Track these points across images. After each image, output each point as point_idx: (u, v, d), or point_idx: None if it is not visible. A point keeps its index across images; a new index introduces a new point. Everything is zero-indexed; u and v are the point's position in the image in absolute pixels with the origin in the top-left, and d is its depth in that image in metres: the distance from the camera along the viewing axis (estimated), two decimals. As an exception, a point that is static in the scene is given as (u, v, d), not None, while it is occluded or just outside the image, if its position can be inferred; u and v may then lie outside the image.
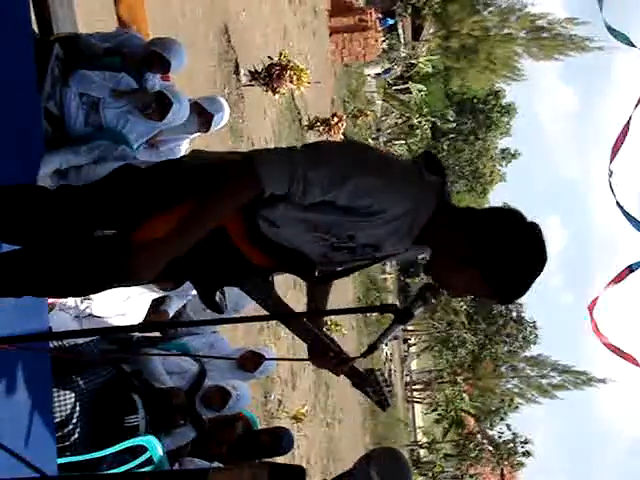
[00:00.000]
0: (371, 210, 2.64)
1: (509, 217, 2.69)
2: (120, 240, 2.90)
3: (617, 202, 4.11)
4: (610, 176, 4.23)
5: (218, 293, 3.06)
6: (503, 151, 59.90)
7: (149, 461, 4.68)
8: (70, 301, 4.91)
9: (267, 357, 6.18)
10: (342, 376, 3.19)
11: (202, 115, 5.94)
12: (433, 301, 2.75)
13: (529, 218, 2.68)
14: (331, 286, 3.31)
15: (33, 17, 5.33)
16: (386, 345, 34.55)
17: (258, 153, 2.70)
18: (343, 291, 23.99)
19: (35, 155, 4.50)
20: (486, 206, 2.96)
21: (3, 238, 3.22)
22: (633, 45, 4.52)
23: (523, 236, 2.63)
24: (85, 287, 3.21)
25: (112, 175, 3.08)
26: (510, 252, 2.60)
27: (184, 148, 6.12)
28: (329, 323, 17.51)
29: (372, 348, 2.96)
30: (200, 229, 2.67)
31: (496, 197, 58.65)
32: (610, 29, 4.51)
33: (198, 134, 6.09)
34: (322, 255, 2.85)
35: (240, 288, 3.01)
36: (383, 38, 36.90)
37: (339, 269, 3.02)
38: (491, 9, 54.53)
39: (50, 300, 4.55)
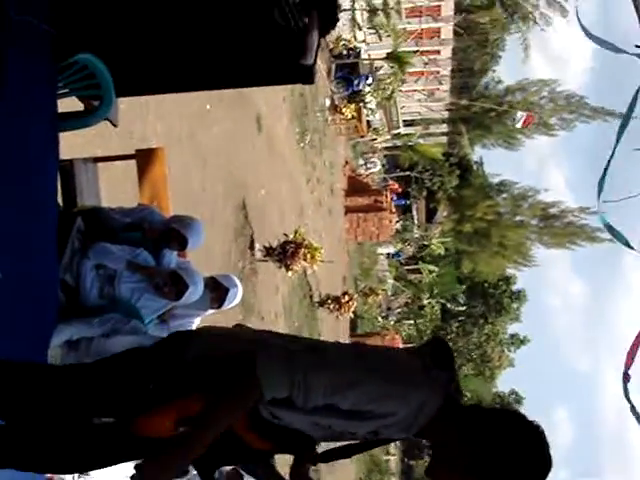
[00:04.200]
0: (375, 414, 2.63)
1: (511, 423, 2.64)
2: (119, 431, 2.90)
3: (632, 407, 4.03)
4: (627, 381, 4.14)
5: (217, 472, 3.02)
6: (512, 336, 59.73)
7: None
8: (67, 477, 4.82)
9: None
10: None
11: (216, 290, 5.97)
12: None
13: (535, 413, 2.64)
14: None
15: (59, 189, 5.47)
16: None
17: (261, 355, 2.67)
18: (345, 471, 23.42)
19: (48, 326, 4.50)
20: (492, 405, 2.90)
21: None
22: (631, 247, 4.41)
23: (525, 445, 2.57)
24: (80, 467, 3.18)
25: (116, 360, 3.08)
26: (511, 461, 2.55)
27: (195, 325, 6.13)
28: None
29: None
30: (205, 438, 2.63)
31: (504, 383, 58.01)
32: (609, 227, 4.42)
33: (211, 311, 6.11)
34: (322, 437, 2.84)
35: (241, 468, 2.96)
36: (397, 219, 37.52)
37: (338, 449, 2.99)
38: (504, 195, 55.60)
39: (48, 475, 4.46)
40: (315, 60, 4.68)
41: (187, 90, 5.37)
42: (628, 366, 4.14)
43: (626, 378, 4.15)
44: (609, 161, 3.98)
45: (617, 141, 3.85)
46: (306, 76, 4.85)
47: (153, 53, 4.61)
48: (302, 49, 4.32)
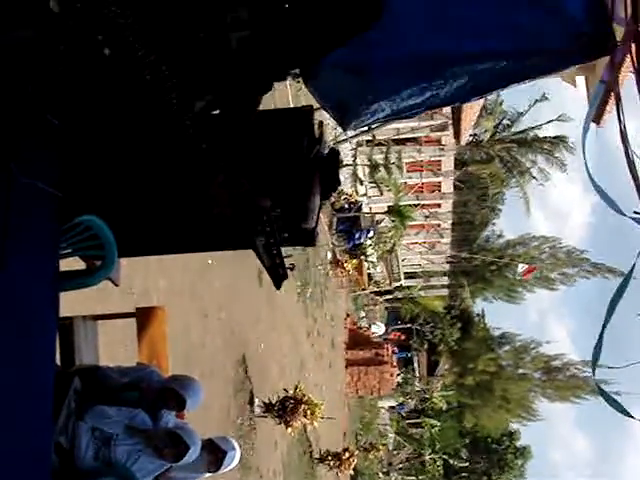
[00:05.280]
0: None
1: None
2: None
3: None
4: None
5: None
6: (517, 495, 58.34)
7: None
8: None
9: None
10: None
11: (213, 453, 5.86)
12: None
13: None
14: None
15: (57, 347, 5.43)
16: None
17: None
18: None
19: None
20: None
21: None
22: (631, 416, 4.26)
23: None
24: None
25: None
26: None
27: (192, 488, 5.98)
28: None
29: None
30: None
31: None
32: (603, 393, 4.30)
33: (207, 475, 5.97)
34: None
35: None
36: (398, 372, 37.31)
37: None
38: (506, 348, 55.45)
39: None
40: (317, 223, 4.73)
41: (188, 251, 5.42)
42: None
43: None
44: (602, 332, 3.92)
45: (609, 315, 3.81)
46: (308, 239, 4.89)
47: (154, 217, 4.66)
48: (304, 213, 4.37)
